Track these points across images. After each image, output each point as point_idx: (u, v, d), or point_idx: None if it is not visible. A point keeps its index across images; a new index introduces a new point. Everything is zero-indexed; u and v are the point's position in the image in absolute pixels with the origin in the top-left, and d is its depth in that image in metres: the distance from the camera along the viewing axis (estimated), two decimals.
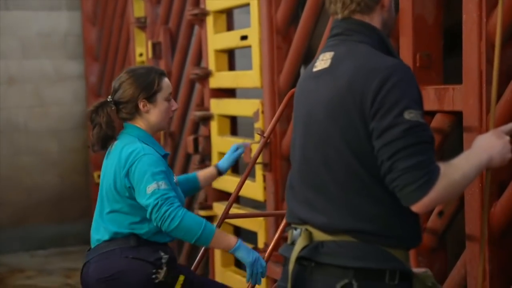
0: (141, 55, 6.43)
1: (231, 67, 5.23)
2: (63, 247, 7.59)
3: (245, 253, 2.93)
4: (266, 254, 3.36)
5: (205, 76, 5.24)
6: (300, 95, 2.22)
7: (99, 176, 7.66)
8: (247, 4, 4.70)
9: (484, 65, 2.88)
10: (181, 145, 5.89)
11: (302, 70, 4.41)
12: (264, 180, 4.55)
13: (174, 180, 3.05)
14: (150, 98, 3.00)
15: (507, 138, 2.15)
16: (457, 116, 3.12)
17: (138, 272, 2.93)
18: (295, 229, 2.19)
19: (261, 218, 4.53)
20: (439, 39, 3.32)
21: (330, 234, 2.10)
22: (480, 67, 2.89)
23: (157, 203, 2.83)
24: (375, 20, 2.15)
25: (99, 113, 3.01)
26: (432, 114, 3.26)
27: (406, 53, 3.30)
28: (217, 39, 5.09)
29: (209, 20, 5.17)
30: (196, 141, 5.34)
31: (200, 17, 5.22)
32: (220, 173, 3.42)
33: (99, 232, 3.04)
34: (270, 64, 4.47)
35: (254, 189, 4.63)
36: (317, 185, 2.12)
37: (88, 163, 7.82)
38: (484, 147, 2.10)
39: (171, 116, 3.10)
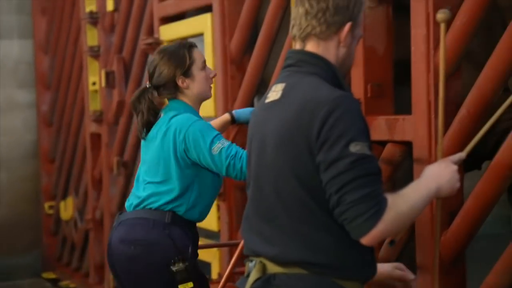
0: (94, 84, 6.40)
1: None
2: (12, 280, 7.39)
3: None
4: (220, 286, 3.35)
5: None
6: (253, 126, 2.23)
7: (50, 207, 7.67)
8: (201, 34, 4.72)
9: (432, 96, 2.94)
10: (134, 174, 5.83)
11: (255, 100, 4.43)
12: (218, 209, 4.54)
13: None
14: (186, 73, 3.03)
15: (456, 167, 2.17)
16: (407, 146, 3.16)
17: (164, 250, 2.92)
18: (251, 261, 2.19)
19: (215, 249, 4.51)
20: (390, 70, 3.38)
21: (282, 266, 2.09)
22: (428, 98, 2.95)
23: (229, 163, 2.88)
24: (330, 51, 2.12)
25: (141, 100, 3.05)
26: (383, 144, 3.30)
27: (357, 83, 3.35)
28: None
29: None
30: None
31: (154, 46, 5.21)
32: (233, 120, 3.32)
33: (136, 198, 3.04)
34: (224, 93, 4.48)
35: (208, 218, 4.60)
36: (270, 217, 2.12)
37: (39, 192, 7.70)
38: (432, 177, 2.12)
39: (211, 83, 3.13)
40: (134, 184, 3.11)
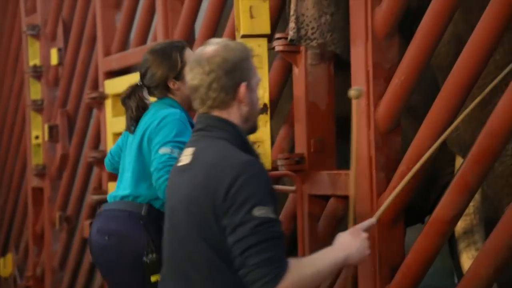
0: (37, 137, 6.32)
1: None
2: None
3: None
4: None
5: (103, 159, 5.15)
6: (168, 189, 2.32)
7: None
8: None
9: (373, 152, 2.98)
10: (78, 229, 5.76)
11: None
12: None
13: None
14: (178, 76, 3.07)
15: (365, 235, 2.28)
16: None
17: (136, 240, 2.97)
18: None
19: None
20: (332, 125, 3.43)
21: None
22: (369, 153, 3.00)
23: (160, 169, 2.89)
24: (234, 115, 2.22)
25: (131, 98, 3.13)
26: (326, 198, 3.33)
27: (300, 138, 3.39)
28: (115, 123, 5.07)
29: (108, 103, 5.15)
30: None
31: (99, 100, 5.20)
32: None
33: (117, 189, 3.12)
34: None
35: None
36: (183, 278, 2.17)
37: None
38: (342, 246, 2.23)
39: None
40: (118, 176, 3.19)
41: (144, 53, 3.18)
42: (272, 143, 3.51)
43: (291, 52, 3.40)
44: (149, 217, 3.02)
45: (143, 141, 3.06)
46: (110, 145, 5.13)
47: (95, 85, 5.37)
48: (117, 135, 5.09)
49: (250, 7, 3.40)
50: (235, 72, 2.19)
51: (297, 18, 3.17)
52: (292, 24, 3.18)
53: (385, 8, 2.93)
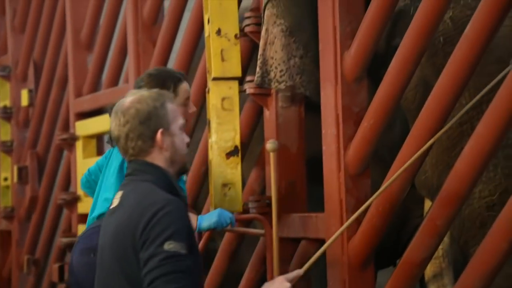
0: (6, 179, 6.26)
1: None
2: None
3: (207, 220, 3.04)
4: None
5: (73, 201, 5.15)
6: (100, 231, 2.43)
7: None
8: None
9: (343, 195, 2.99)
10: (46, 272, 5.67)
11: None
12: None
13: None
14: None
15: (288, 285, 2.38)
16: (321, 243, 3.19)
17: None
18: None
19: None
20: (302, 168, 3.44)
21: None
22: (340, 196, 3.00)
23: None
24: (157, 159, 2.33)
25: None
26: (297, 241, 3.32)
27: (268, 179, 3.39)
28: (86, 164, 5.03)
29: (79, 144, 5.14)
30: (61, 269, 5.16)
31: (69, 142, 5.18)
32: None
33: (96, 209, 3.10)
34: None
35: None
36: None
37: None
38: None
39: (191, 118, 3.19)
40: (94, 196, 3.18)
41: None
42: (243, 185, 3.51)
43: (262, 94, 3.42)
44: None
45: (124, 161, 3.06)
46: (80, 187, 5.08)
47: (66, 126, 5.35)
48: None
49: (221, 50, 3.42)
50: (150, 120, 2.30)
51: (263, 62, 3.20)
52: (257, 69, 3.21)
53: (353, 53, 2.97)
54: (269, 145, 2.82)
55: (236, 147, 3.42)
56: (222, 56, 3.41)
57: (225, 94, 3.40)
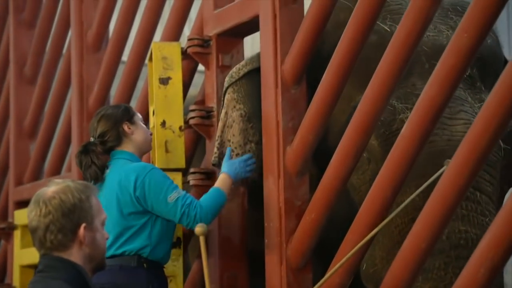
0: None
1: None
2: None
3: (233, 169, 3.14)
4: None
5: None
6: None
7: None
8: None
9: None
10: None
11: None
12: None
13: None
14: (131, 119, 3.20)
15: None
16: None
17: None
18: None
19: None
20: (245, 260, 3.43)
21: None
22: None
23: (183, 211, 3.01)
24: (75, 256, 2.20)
25: (87, 153, 3.18)
26: None
27: (213, 273, 3.36)
28: (24, 254, 4.93)
29: (17, 234, 5.02)
30: None
31: (7, 231, 5.07)
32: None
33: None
34: None
35: None
36: None
37: None
38: None
39: (150, 138, 3.29)
40: None
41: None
42: (185, 278, 3.47)
43: (205, 186, 3.44)
44: (139, 268, 3.05)
45: (120, 202, 3.07)
46: (16, 277, 4.95)
47: (4, 215, 5.25)
48: (25, 267, 4.94)
49: (166, 142, 3.45)
50: (73, 213, 2.18)
51: (221, 144, 3.22)
52: (215, 149, 3.23)
53: (295, 148, 3.03)
54: (198, 228, 2.79)
55: (178, 238, 3.40)
56: (166, 147, 3.43)
57: None
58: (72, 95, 4.60)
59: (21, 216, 5.02)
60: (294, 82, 3.10)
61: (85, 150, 3.19)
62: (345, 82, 2.92)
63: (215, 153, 3.25)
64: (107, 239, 2.28)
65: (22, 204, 5.04)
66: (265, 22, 3.17)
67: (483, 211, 2.81)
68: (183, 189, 3.51)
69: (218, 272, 3.35)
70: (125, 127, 3.18)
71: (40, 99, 5.11)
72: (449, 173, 2.45)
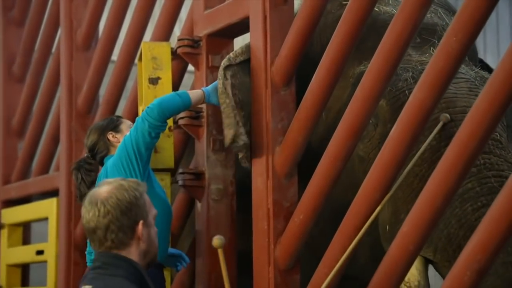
0: None
1: (25, 282, 5.02)
2: None
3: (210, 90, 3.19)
4: None
5: None
6: None
7: None
8: (46, 218, 4.64)
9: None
10: None
11: None
12: None
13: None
14: (115, 129, 3.27)
15: None
16: None
17: None
18: None
19: None
20: (234, 261, 3.42)
21: None
22: None
23: (136, 122, 3.09)
24: (133, 253, 2.24)
25: (77, 170, 3.30)
26: None
27: (201, 274, 3.37)
28: (11, 253, 4.92)
29: (4, 233, 5.00)
30: None
31: None
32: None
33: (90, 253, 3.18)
34: (66, 280, 4.35)
35: None
36: None
37: None
38: None
39: None
40: None
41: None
42: (172, 278, 3.47)
43: (194, 186, 3.44)
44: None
45: None
46: (3, 276, 4.94)
47: None
48: (11, 266, 4.93)
49: None
50: (131, 211, 2.22)
51: (237, 122, 3.08)
52: (230, 130, 3.09)
53: (284, 149, 3.03)
54: (216, 241, 2.62)
55: None
56: (155, 148, 3.42)
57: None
58: (61, 94, 4.59)
59: (8, 215, 5.00)
60: (283, 84, 3.11)
61: (77, 167, 3.32)
62: (335, 84, 2.93)
63: (231, 133, 3.07)
64: (156, 233, 2.31)
65: (10, 203, 5.03)
66: (255, 23, 3.17)
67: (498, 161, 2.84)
68: (172, 189, 3.53)
69: (206, 272, 3.35)
70: (110, 136, 3.24)
71: (28, 98, 5.09)
72: (437, 175, 2.46)
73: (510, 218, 2.18)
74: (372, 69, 2.71)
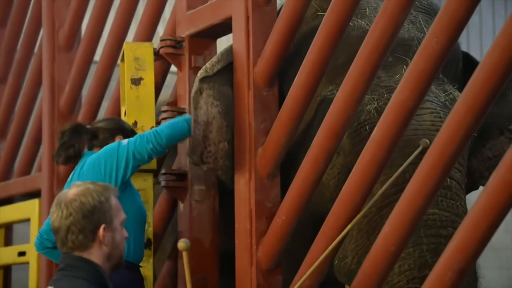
0: None
1: (7, 284, 4.99)
2: None
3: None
4: None
5: None
6: None
7: None
8: (28, 219, 4.61)
9: None
10: None
11: None
12: None
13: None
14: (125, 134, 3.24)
15: None
16: None
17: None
18: None
19: None
20: (215, 262, 3.42)
21: None
22: None
23: (136, 140, 3.09)
24: (94, 255, 2.32)
25: (74, 133, 3.23)
26: None
27: (182, 275, 3.35)
28: None
29: None
30: None
31: None
32: None
33: None
34: (48, 281, 4.29)
35: None
36: None
37: None
38: None
39: None
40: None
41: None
42: (155, 279, 3.46)
43: (177, 187, 3.43)
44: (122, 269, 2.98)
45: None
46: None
47: None
48: None
49: None
50: (93, 215, 2.30)
51: (203, 139, 3.12)
52: (192, 146, 3.13)
53: (267, 150, 3.03)
54: (181, 244, 2.76)
55: (149, 239, 3.39)
56: None
57: (140, 186, 3.39)
58: (43, 94, 4.56)
59: None
60: (266, 84, 3.11)
61: (78, 130, 3.25)
62: (317, 85, 2.94)
63: (196, 150, 3.12)
64: (126, 238, 2.38)
65: None
66: (238, 24, 3.17)
67: (453, 195, 2.82)
68: (155, 190, 3.52)
69: (188, 274, 3.34)
70: (116, 139, 3.21)
71: (10, 98, 5.06)
72: (416, 179, 2.47)
73: (489, 218, 2.19)
74: (353, 73, 2.72)
